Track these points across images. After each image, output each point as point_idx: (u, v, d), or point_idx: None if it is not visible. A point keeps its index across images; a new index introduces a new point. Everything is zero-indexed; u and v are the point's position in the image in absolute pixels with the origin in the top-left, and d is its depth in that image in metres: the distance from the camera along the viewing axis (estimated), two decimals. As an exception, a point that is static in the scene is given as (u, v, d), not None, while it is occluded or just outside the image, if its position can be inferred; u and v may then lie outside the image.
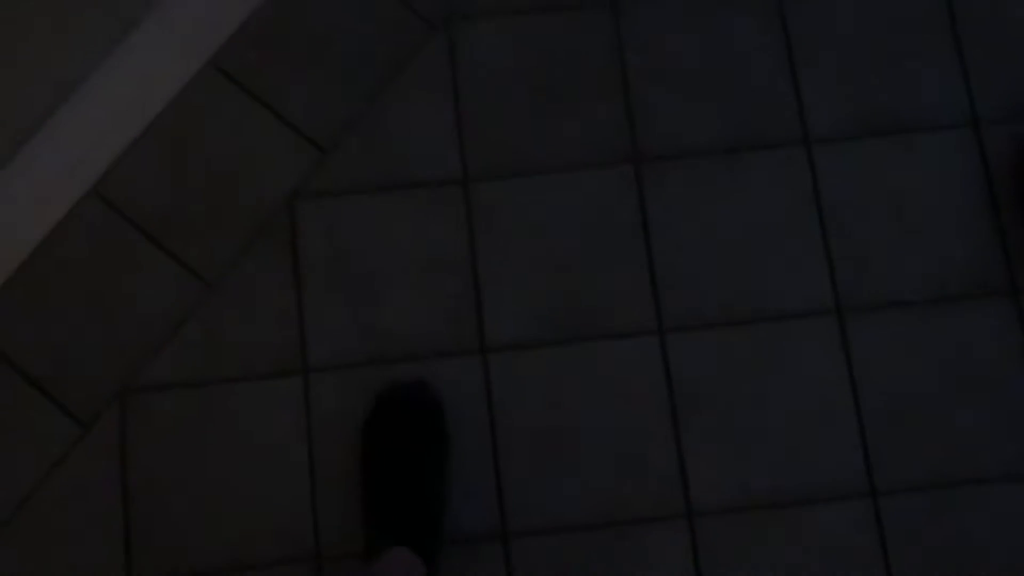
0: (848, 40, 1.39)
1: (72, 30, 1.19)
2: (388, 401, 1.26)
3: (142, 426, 1.27)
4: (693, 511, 1.26)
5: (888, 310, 1.31)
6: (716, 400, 1.28)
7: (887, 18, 1.40)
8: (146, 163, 1.33)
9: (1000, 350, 1.30)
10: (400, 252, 1.32)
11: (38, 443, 1.26)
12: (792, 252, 1.33)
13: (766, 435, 1.28)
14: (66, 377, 1.27)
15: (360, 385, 1.28)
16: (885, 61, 1.38)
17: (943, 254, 1.33)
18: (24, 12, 1.10)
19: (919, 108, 1.37)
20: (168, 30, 1.31)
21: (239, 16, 1.36)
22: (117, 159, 1.33)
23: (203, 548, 1.24)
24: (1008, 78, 1.38)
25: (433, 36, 1.38)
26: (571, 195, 1.34)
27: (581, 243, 1.32)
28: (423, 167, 1.34)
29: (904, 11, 1.40)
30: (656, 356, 1.30)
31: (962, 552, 1.24)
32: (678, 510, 1.26)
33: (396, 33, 1.38)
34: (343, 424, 1.27)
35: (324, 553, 1.24)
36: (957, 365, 1.29)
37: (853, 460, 1.27)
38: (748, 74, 1.38)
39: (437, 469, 1.24)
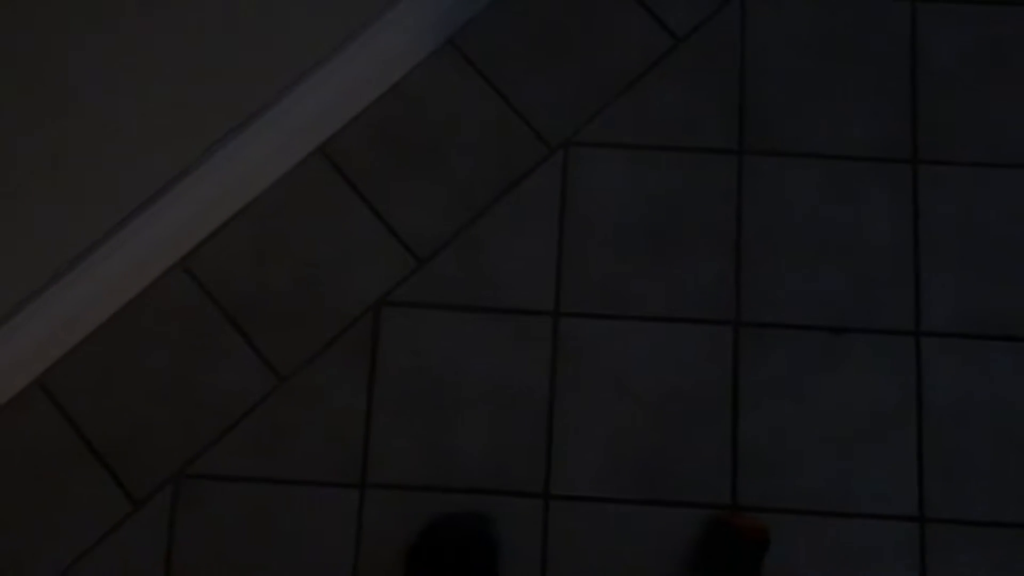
0: (981, 231, 1.32)
1: (193, 108, 1.17)
2: (440, 530, 1.23)
3: (192, 513, 1.25)
4: None
5: (972, 529, 1.24)
6: (777, 591, 1.23)
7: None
8: (240, 244, 1.31)
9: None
10: (479, 378, 1.28)
11: (92, 513, 1.25)
12: (883, 450, 1.26)
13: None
14: (128, 452, 1.26)
15: (416, 509, 1.25)
16: (1016, 262, 1.31)
17: (1043, 477, 1.26)
18: (150, 91, 1.09)
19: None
20: (285, 111, 1.28)
21: (358, 105, 1.33)
22: (212, 236, 1.31)
23: (232, 647, 1.22)
24: None
25: (549, 160, 1.34)
26: (663, 348, 1.29)
27: (666, 401, 1.27)
28: (516, 293, 1.30)
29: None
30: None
31: None
32: None
33: (513, 150, 1.34)
34: (393, 546, 1.24)
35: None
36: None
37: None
38: (868, 250, 1.31)
39: (479, 610, 1.21)
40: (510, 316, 1.30)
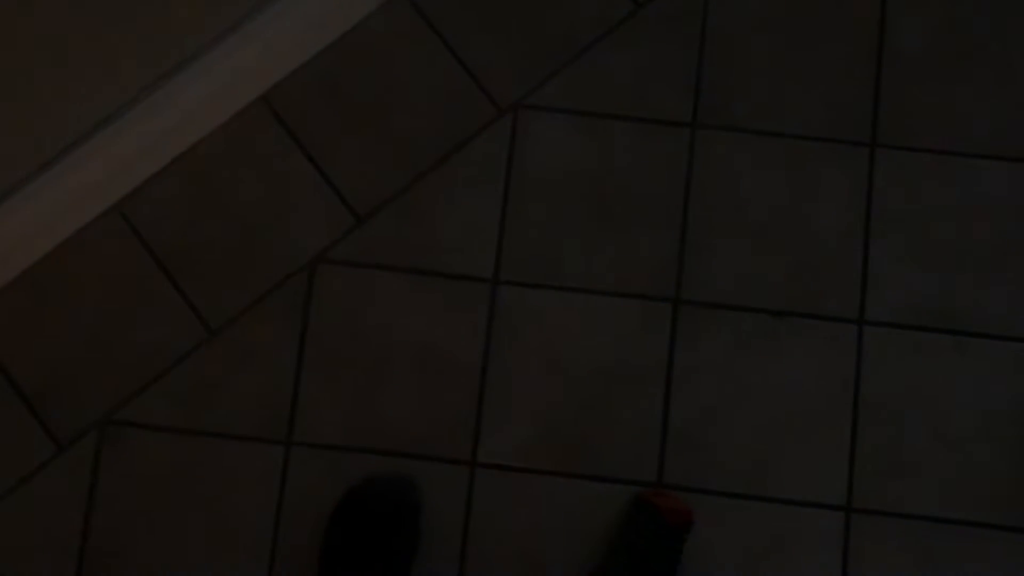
0: (934, 222, 1.29)
1: (127, 53, 1.14)
2: (363, 493, 1.22)
3: (116, 460, 1.24)
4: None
5: (898, 520, 1.23)
6: (702, 574, 1.22)
7: (984, 216, 1.29)
8: (177, 192, 1.29)
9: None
10: (412, 342, 1.27)
11: (13, 455, 1.24)
12: (815, 439, 1.25)
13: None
14: (53, 394, 1.25)
15: (341, 470, 1.24)
16: (967, 258, 1.28)
17: (969, 473, 1.24)
18: (89, 29, 1.06)
19: (986, 315, 1.27)
20: (226, 56, 1.25)
21: (304, 54, 1.30)
22: (148, 181, 1.29)
23: (149, 596, 1.23)
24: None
25: (498, 122, 1.31)
26: (600, 321, 1.27)
27: (598, 374, 1.26)
28: (456, 258, 1.28)
29: (1007, 223, 1.29)
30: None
31: None
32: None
33: (461, 111, 1.31)
34: (314, 506, 1.24)
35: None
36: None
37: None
38: (816, 234, 1.29)
39: (400, 574, 1.20)
40: (448, 281, 1.28)
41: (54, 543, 1.23)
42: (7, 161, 1.16)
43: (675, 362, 1.27)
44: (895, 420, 1.26)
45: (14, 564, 1.22)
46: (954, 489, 1.24)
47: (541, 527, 1.24)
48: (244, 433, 1.25)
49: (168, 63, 1.20)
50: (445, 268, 1.28)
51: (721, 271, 1.28)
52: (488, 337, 1.27)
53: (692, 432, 1.25)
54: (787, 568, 1.23)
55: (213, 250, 1.28)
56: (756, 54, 1.33)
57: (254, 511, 1.24)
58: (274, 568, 1.23)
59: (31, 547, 1.22)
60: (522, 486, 1.24)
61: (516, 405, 1.26)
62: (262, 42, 1.25)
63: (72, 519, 1.23)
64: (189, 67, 1.21)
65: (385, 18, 1.32)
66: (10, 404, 1.25)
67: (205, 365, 1.26)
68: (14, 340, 1.26)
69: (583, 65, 1.32)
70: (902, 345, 1.27)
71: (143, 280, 1.28)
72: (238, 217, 1.29)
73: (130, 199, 1.29)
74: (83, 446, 1.25)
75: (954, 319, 1.27)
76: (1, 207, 1.19)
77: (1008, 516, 1.24)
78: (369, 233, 1.29)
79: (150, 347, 1.26)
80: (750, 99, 1.32)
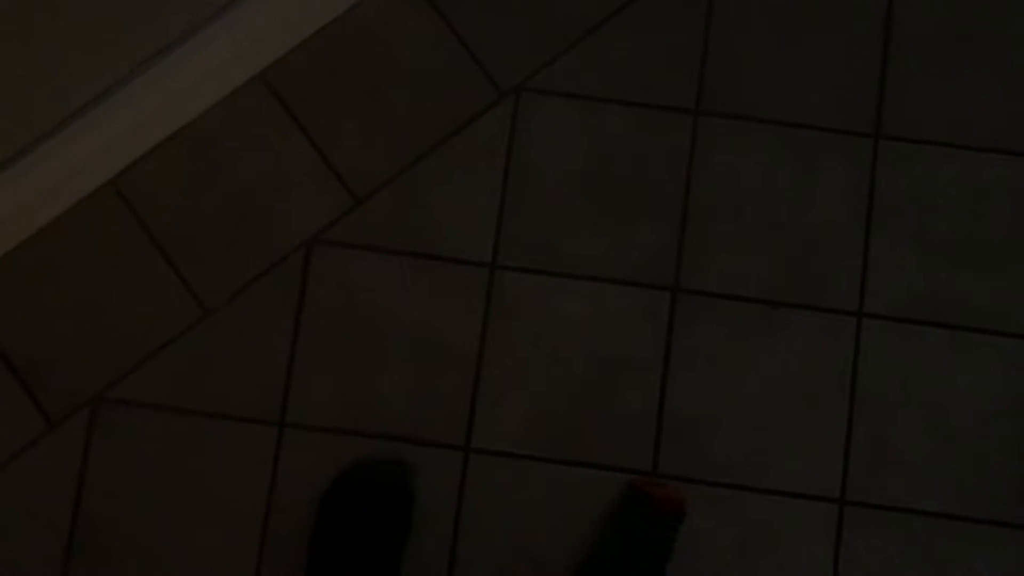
0: (935, 215, 1.28)
1: (123, 28, 1.12)
2: (355, 476, 1.22)
3: (108, 438, 1.23)
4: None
5: (891, 514, 1.23)
6: (694, 563, 1.22)
7: (985, 210, 1.29)
8: (173, 169, 1.27)
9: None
10: (408, 325, 1.26)
11: (3, 431, 1.23)
12: (810, 430, 1.25)
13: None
14: (45, 370, 1.24)
15: (334, 452, 1.23)
16: (968, 252, 1.28)
17: (963, 468, 1.24)
18: (86, 3, 1.04)
19: (984, 310, 1.27)
20: (224, 32, 1.23)
21: (304, 32, 1.28)
22: (144, 157, 1.27)
23: (139, 574, 1.22)
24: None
25: (499, 105, 1.29)
26: (598, 309, 1.26)
27: (594, 361, 1.25)
28: (454, 241, 1.27)
29: (1008, 217, 1.29)
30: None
31: None
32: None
33: (463, 93, 1.29)
34: (307, 488, 1.23)
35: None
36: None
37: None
38: (817, 225, 1.28)
39: (390, 558, 1.20)
40: (445, 264, 1.27)
41: (43, 520, 1.22)
42: (1, 134, 1.14)
43: (672, 351, 1.26)
44: (890, 413, 1.25)
45: (3, 540, 1.22)
46: (948, 484, 1.24)
47: (534, 513, 1.23)
48: (237, 413, 1.24)
49: (166, 39, 1.18)
50: (443, 251, 1.27)
51: (720, 260, 1.28)
52: (485, 322, 1.26)
53: (687, 421, 1.25)
54: (779, 559, 1.23)
55: (209, 228, 1.27)
56: (760, 42, 1.31)
57: (246, 492, 1.23)
58: (264, 549, 1.22)
59: (20, 523, 1.22)
60: (516, 472, 1.24)
61: (511, 391, 1.25)
62: (261, 19, 1.23)
63: (62, 496, 1.22)
64: (187, 43, 1.20)
65: (387, -3, 1.31)
66: (1, 379, 1.24)
67: (199, 344, 1.25)
68: (7, 315, 1.25)
69: (586, 49, 1.30)
70: (899, 338, 1.27)
71: (138, 257, 1.26)
72: (234, 196, 1.27)
73: (125, 175, 1.27)
74: (74, 423, 1.24)
75: (952, 313, 1.27)
76: (-5, 181, 1.18)
77: (1002, 511, 1.23)
78: (367, 214, 1.28)
79: (144, 325, 1.25)
80: (753, 87, 1.30)
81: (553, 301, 1.26)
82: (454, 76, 1.30)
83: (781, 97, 1.30)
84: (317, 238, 1.27)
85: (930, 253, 1.28)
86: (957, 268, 1.27)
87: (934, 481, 1.24)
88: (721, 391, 1.25)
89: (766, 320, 1.26)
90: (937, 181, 1.29)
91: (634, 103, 1.30)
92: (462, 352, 1.25)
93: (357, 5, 1.30)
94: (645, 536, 1.19)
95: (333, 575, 1.18)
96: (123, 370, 1.24)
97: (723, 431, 1.25)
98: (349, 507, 1.20)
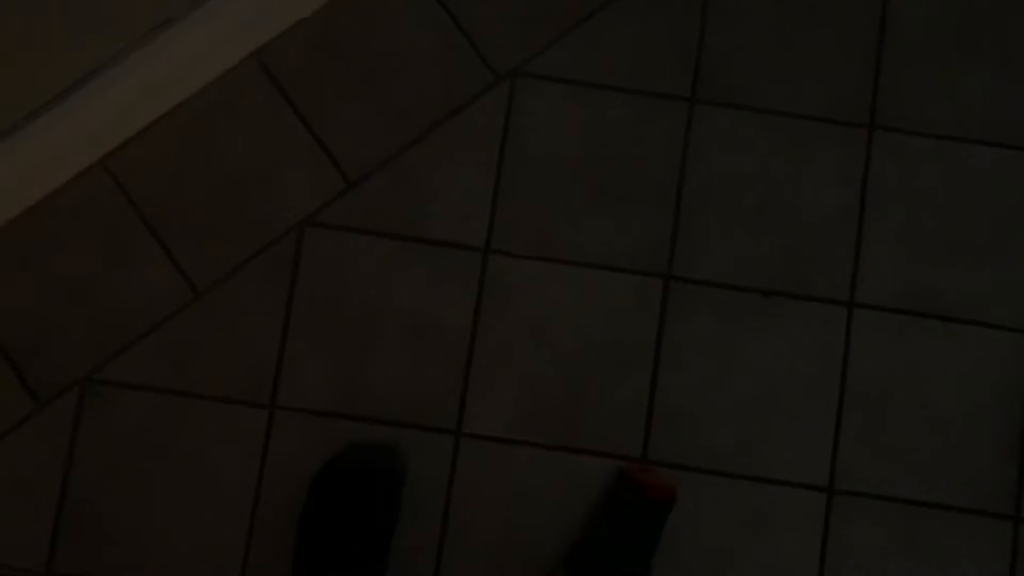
0: (928, 207, 1.29)
1: (117, 6, 1.11)
2: (344, 460, 1.21)
3: (97, 419, 1.23)
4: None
5: (879, 503, 1.24)
6: (683, 550, 1.23)
7: (979, 202, 1.29)
8: (165, 148, 1.26)
9: (978, 573, 1.23)
10: (400, 309, 1.25)
11: (-11, 409, 1.23)
12: (800, 419, 1.25)
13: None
14: (34, 350, 1.23)
15: (325, 436, 1.23)
16: (960, 243, 1.28)
17: (952, 458, 1.25)
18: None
19: (976, 301, 1.27)
20: (219, 10, 1.22)
21: (299, 12, 1.27)
22: (136, 136, 1.26)
23: (127, 556, 1.21)
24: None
25: (494, 89, 1.29)
26: (591, 295, 1.26)
27: (586, 347, 1.25)
28: (447, 225, 1.27)
29: (1002, 209, 1.29)
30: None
31: None
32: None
33: (458, 76, 1.29)
34: (297, 472, 1.23)
35: (244, 595, 1.22)
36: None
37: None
38: (811, 215, 1.28)
39: (380, 542, 1.20)
40: (438, 248, 1.27)
41: (31, 500, 1.21)
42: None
43: (664, 338, 1.26)
44: (881, 403, 1.26)
45: (-10, 520, 1.21)
46: (937, 473, 1.25)
47: (524, 498, 1.24)
48: (228, 395, 1.23)
49: (159, 16, 1.17)
50: (436, 235, 1.27)
51: (713, 248, 1.28)
52: (477, 307, 1.26)
53: (678, 409, 1.25)
54: (766, 546, 1.23)
55: (200, 209, 1.26)
56: (757, 30, 1.31)
57: (235, 474, 1.23)
58: (253, 532, 1.22)
59: (7, 504, 1.21)
60: (507, 457, 1.24)
61: (503, 376, 1.25)
62: (256, -2, 1.23)
63: (50, 477, 1.22)
64: (180, 21, 1.19)
65: (383, -22, 1.30)
66: (-11, 359, 1.23)
67: (190, 326, 1.24)
68: (-5, 294, 1.24)
69: (583, 34, 1.30)
70: (891, 328, 1.27)
71: (128, 238, 1.25)
72: (227, 176, 1.27)
73: (117, 155, 1.26)
74: (63, 404, 1.23)
75: (944, 304, 1.27)
76: (-16, 158, 1.17)
77: (989, 501, 1.24)
78: (359, 197, 1.27)
79: (134, 306, 1.24)
80: (749, 75, 1.30)
81: (546, 286, 1.26)
82: (450, 59, 1.29)
83: (776, 86, 1.30)
84: (310, 220, 1.26)
85: (923, 244, 1.28)
86: (950, 259, 1.28)
87: (923, 471, 1.25)
88: (712, 379, 1.26)
89: (758, 309, 1.27)
90: (931, 172, 1.30)
91: (630, 90, 1.29)
92: (454, 336, 1.25)
93: (353, -14, 1.29)
94: (635, 522, 1.20)
95: (322, 558, 1.18)
96: (112, 351, 1.23)
97: (714, 418, 1.25)
98: (339, 490, 1.20)
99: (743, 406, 1.26)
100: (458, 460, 1.24)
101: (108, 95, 1.20)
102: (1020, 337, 1.27)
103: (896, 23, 1.32)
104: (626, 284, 1.27)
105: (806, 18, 1.31)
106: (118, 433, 1.23)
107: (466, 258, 1.26)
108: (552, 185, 1.28)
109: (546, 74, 1.29)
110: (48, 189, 1.24)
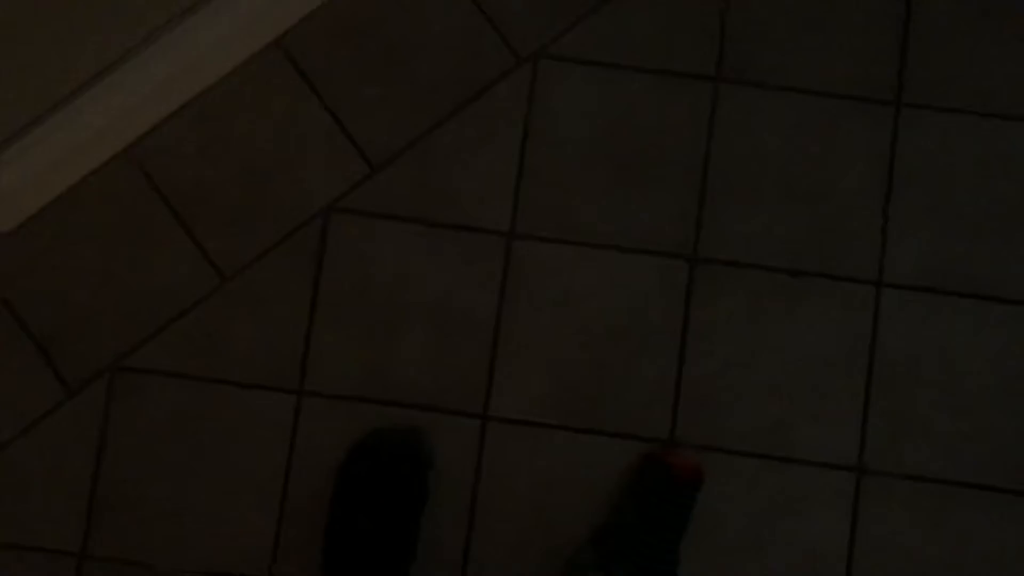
0: (957, 184, 1.27)
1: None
2: (372, 445, 1.22)
3: (127, 406, 1.24)
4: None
5: (909, 482, 1.23)
6: (711, 532, 1.23)
7: (1008, 179, 1.27)
8: (189, 136, 1.27)
9: (1005, 551, 1.22)
10: (426, 293, 1.25)
11: (23, 398, 1.24)
12: (828, 399, 1.25)
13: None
14: (64, 338, 1.24)
15: (353, 420, 1.24)
16: (989, 221, 1.27)
17: (982, 438, 1.24)
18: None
19: (1005, 279, 1.26)
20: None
21: (321, -2, 1.27)
22: (160, 125, 1.26)
23: (158, 540, 1.22)
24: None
25: (517, 71, 1.28)
26: (616, 277, 1.26)
27: (613, 331, 1.25)
28: (471, 210, 1.26)
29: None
30: (658, 468, 1.24)
31: None
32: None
33: (480, 60, 1.28)
34: (325, 456, 1.23)
35: (275, 579, 1.23)
36: (965, 556, 1.22)
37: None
38: (838, 193, 1.27)
39: (408, 526, 1.20)
40: (463, 233, 1.26)
41: (63, 488, 1.23)
42: (17, 103, 1.14)
43: (690, 319, 1.26)
44: (910, 382, 1.25)
45: (23, 508, 1.22)
46: (967, 453, 1.24)
47: (551, 481, 1.24)
48: (255, 382, 1.24)
49: (182, 4, 1.17)
50: (460, 220, 1.27)
51: (740, 229, 1.27)
52: (502, 291, 1.26)
53: (705, 390, 1.25)
54: (796, 528, 1.23)
55: (226, 196, 1.27)
56: (781, 7, 1.30)
57: (264, 460, 1.23)
58: (283, 518, 1.23)
59: (40, 491, 1.23)
60: (533, 440, 1.24)
61: (529, 359, 1.25)
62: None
63: (81, 464, 1.23)
64: (203, 8, 1.19)
65: (403, -38, 1.30)
66: (21, 347, 1.24)
67: (217, 312, 1.25)
68: (26, 283, 1.25)
69: (605, 15, 1.29)
70: (919, 307, 1.26)
71: (155, 225, 1.26)
72: (251, 163, 1.27)
73: (142, 143, 1.27)
74: (93, 391, 1.24)
75: (973, 282, 1.26)
76: (11, 149, 1.17)
77: (1019, 480, 1.23)
78: (384, 182, 1.27)
79: (162, 293, 1.25)
80: (774, 54, 1.29)
81: (571, 269, 1.26)
82: (472, 42, 1.29)
83: (801, 64, 1.29)
84: (334, 206, 1.26)
85: (951, 221, 1.27)
86: (978, 237, 1.27)
87: (954, 451, 1.24)
88: (739, 359, 1.25)
89: (786, 289, 1.26)
90: (958, 149, 1.28)
91: (653, 70, 1.28)
92: (479, 320, 1.25)
93: (374, -30, 1.29)
94: (662, 504, 1.20)
95: (352, 542, 1.19)
96: (141, 338, 1.25)
97: (741, 399, 1.24)
98: (367, 474, 1.21)
99: (771, 387, 1.25)
100: (485, 444, 1.24)
101: (132, 84, 1.21)
102: (1051, 314, 1.26)
103: (923, -2, 1.30)
104: (651, 265, 1.26)
105: (831, -5, 1.30)
106: (148, 419, 1.24)
107: (491, 242, 1.26)
108: (576, 167, 1.27)
109: (569, 56, 1.29)
110: (74, 179, 1.25)
